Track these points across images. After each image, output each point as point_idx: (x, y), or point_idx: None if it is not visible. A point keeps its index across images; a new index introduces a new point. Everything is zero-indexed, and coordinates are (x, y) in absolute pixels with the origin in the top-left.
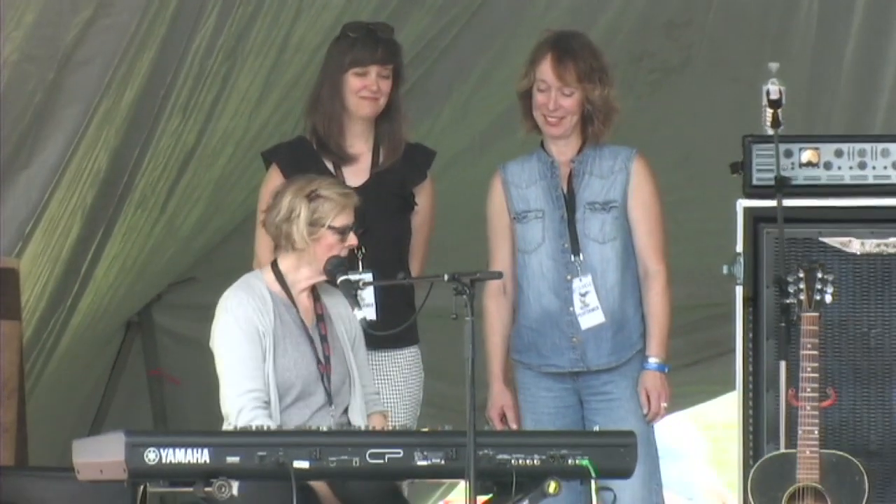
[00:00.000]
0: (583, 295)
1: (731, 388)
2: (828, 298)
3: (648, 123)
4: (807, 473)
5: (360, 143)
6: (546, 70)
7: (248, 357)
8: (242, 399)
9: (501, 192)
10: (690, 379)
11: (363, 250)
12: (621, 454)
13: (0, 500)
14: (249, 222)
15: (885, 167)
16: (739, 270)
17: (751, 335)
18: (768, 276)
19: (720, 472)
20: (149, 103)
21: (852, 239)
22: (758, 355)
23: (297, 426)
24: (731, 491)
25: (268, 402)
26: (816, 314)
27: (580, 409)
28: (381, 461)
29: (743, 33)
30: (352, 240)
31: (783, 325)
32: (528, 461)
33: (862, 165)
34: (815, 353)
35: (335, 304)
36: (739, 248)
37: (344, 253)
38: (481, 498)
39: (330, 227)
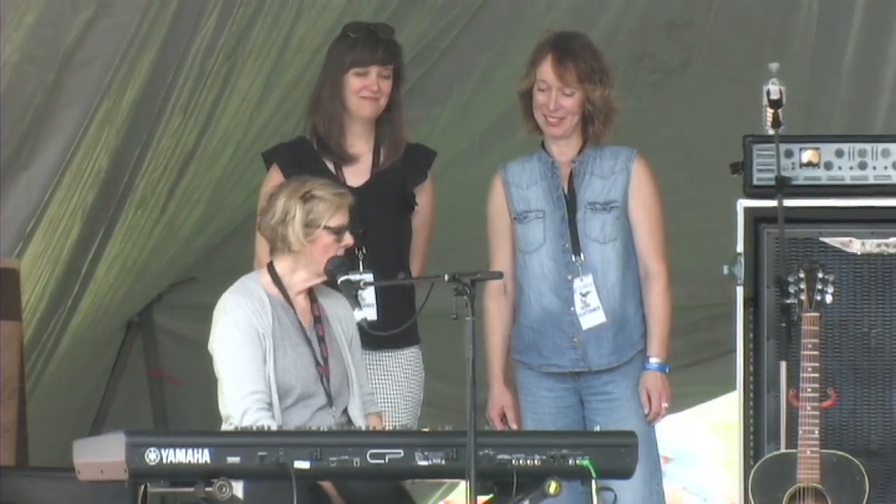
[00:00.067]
0: (584, 295)
1: (732, 388)
2: (828, 299)
3: (649, 124)
4: (807, 474)
5: (360, 144)
6: (547, 70)
7: (250, 359)
8: (246, 401)
9: (502, 193)
10: (691, 379)
11: (364, 251)
12: (622, 454)
13: (0, 500)
14: (250, 223)
15: (886, 167)
16: (740, 271)
17: (751, 335)
18: (769, 277)
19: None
20: (149, 104)
21: (853, 239)
22: (758, 355)
23: (298, 427)
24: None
25: (270, 404)
26: (817, 314)
27: (581, 409)
28: (382, 461)
29: (743, 34)
30: (347, 239)
31: (784, 325)
32: (528, 461)
33: (862, 165)
34: (816, 353)
35: (332, 304)
36: (740, 248)
37: (340, 253)
38: (482, 498)
39: (325, 228)
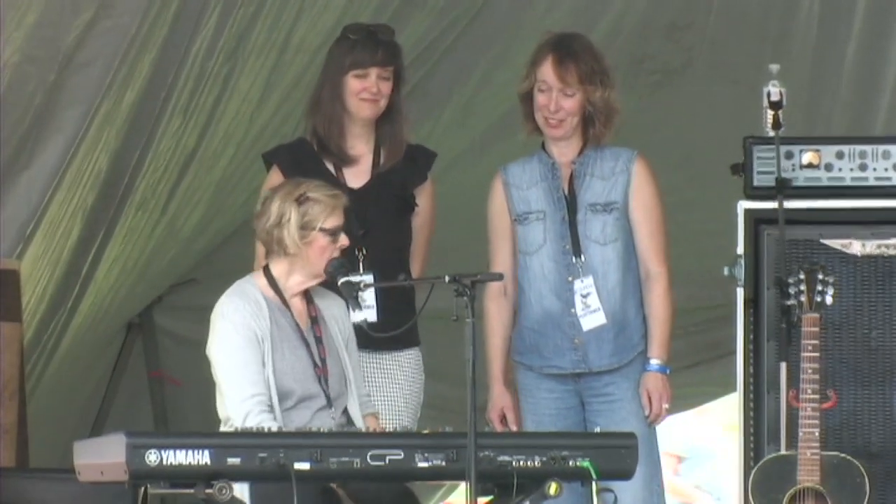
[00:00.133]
0: (584, 296)
1: (732, 389)
2: (828, 300)
3: (649, 125)
4: (807, 475)
5: (360, 145)
6: (547, 71)
7: (250, 362)
8: (247, 404)
9: (502, 194)
10: (691, 380)
11: (364, 252)
12: (622, 455)
13: (1, 501)
14: (250, 224)
15: (886, 169)
16: (740, 272)
17: (751, 337)
18: (769, 278)
19: None
20: (149, 105)
21: (853, 240)
22: (758, 357)
23: (298, 428)
24: None
25: (271, 406)
26: (817, 315)
27: (581, 410)
28: (382, 463)
29: (743, 35)
30: (343, 240)
31: (784, 326)
32: (528, 463)
33: (863, 167)
34: (816, 354)
35: (327, 305)
36: (740, 249)
37: (336, 254)
38: (482, 499)
39: (321, 230)
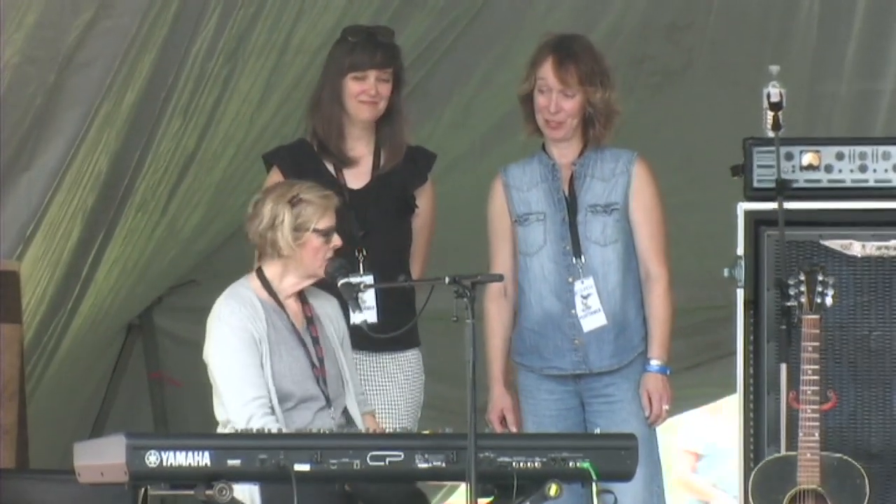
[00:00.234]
0: (584, 297)
1: (732, 390)
2: (828, 301)
3: (649, 126)
4: (807, 476)
5: (360, 146)
6: (547, 72)
7: (249, 364)
8: (250, 407)
9: (502, 195)
10: (691, 382)
11: (364, 253)
12: (622, 457)
13: (1, 502)
14: None
15: (886, 170)
16: (740, 273)
17: (751, 338)
18: (769, 279)
19: None
20: (149, 106)
21: (853, 242)
22: (758, 358)
23: (298, 429)
24: None
25: (273, 408)
26: (817, 317)
27: (582, 411)
28: (382, 464)
29: (743, 36)
30: (336, 241)
31: (784, 327)
32: (528, 464)
33: (863, 168)
34: (816, 355)
35: (321, 304)
36: (740, 250)
37: (329, 255)
38: (482, 501)
39: (315, 231)
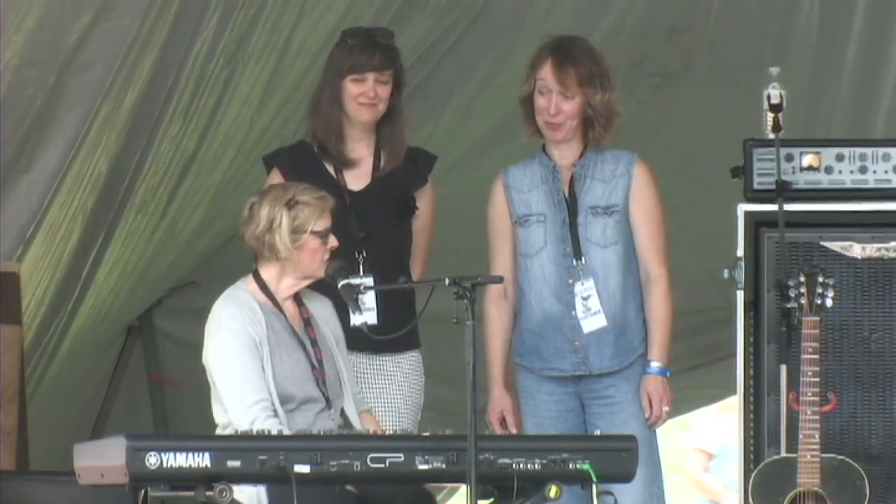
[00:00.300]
0: (585, 299)
1: (732, 392)
2: (829, 303)
3: (649, 127)
4: (808, 478)
5: (361, 148)
6: (547, 75)
7: (250, 368)
8: (253, 410)
9: (503, 196)
10: (691, 383)
11: (364, 254)
12: (622, 458)
13: None
14: None
15: (886, 171)
16: (740, 275)
17: (752, 339)
18: (769, 281)
19: None
20: (149, 107)
21: (853, 243)
22: (759, 359)
23: (299, 430)
24: None
25: (276, 411)
26: (817, 318)
27: (582, 412)
28: (382, 465)
29: (744, 37)
30: (332, 242)
31: (784, 329)
32: (528, 465)
33: (863, 170)
34: (816, 357)
35: (315, 306)
36: (740, 252)
37: (326, 256)
38: (482, 502)
39: (312, 232)
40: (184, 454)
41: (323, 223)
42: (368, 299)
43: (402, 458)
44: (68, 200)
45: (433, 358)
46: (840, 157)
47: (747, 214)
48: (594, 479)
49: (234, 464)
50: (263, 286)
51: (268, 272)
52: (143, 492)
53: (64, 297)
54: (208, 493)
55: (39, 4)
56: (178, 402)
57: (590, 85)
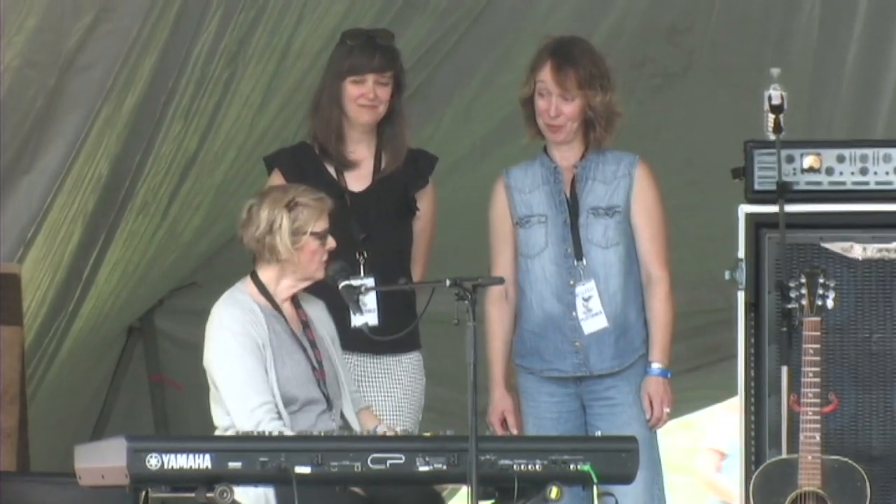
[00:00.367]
0: (586, 300)
1: (733, 393)
2: (829, 304)
3: (650, 129)
4: (809, 479)
5: (361, 149)
6: (546, 77)
7: (253, 370)
8: (257, 413)
9: (504, 197)
10: (692, 384)
11: (365, 255)
12: (623, 459)
13: None
14: None
15: (887, 172)
16: (741, 276)
17: (752, 340)
18: (770, 282)
19: None
20: (150, 109)
21: (854, 244)
22: (759, 360)
23: (300, 432)
24: None
25: (279, 413)
26: (818, 319)
27: (582, 414)
28: (383, 466)
29: (744, 38)
30: (331, 243)
31: (785, 330)
32: (529, 466)
33: (864, 171)
34: (817, 358)
35: (310, 307)
36: (741, 253)
37: (325, 257)
38: (483, 503)
39: (312, 234)
40: (185, 455)
41: (322, 224)
42: (369, 300)
43: (403, 459)
44: (69, 201)
45: (434, 359)
46: (841, 159)
47: (748, 215)
48: (595, 480)
49: (234, 465)
50: (262, 288)
51: (266, 274)
52: (143, 493)
53: (65, 298)
54: (209, 495)
55: (40, 5)
56: (179, 403)
57: (590, 87)
